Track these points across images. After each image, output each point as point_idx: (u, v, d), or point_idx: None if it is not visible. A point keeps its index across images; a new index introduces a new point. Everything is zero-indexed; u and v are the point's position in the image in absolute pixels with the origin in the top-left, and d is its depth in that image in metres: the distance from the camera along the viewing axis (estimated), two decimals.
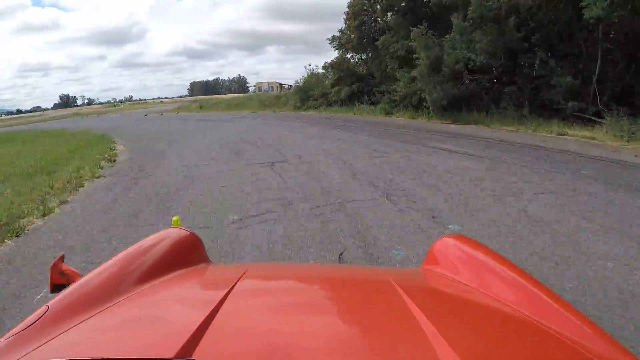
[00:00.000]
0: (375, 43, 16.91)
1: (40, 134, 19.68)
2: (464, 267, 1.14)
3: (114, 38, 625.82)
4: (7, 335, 0.76)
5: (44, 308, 0.84)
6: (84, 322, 0.79)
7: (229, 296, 0.86)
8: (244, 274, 1.07)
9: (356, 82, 19.98)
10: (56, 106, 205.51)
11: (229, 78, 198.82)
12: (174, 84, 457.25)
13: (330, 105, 21.20)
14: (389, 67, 16.29)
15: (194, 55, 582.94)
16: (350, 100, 19.85)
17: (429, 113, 14.10)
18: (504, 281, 1.04)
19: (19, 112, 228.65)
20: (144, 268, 1.05)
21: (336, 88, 20.86)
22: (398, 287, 0.97)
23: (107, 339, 0.75)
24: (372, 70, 19.05)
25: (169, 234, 1.28)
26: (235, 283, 0.95)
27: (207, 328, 0.70)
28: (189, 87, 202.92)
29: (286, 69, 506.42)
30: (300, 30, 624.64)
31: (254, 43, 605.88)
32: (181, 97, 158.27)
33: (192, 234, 1.29)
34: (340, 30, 21.04)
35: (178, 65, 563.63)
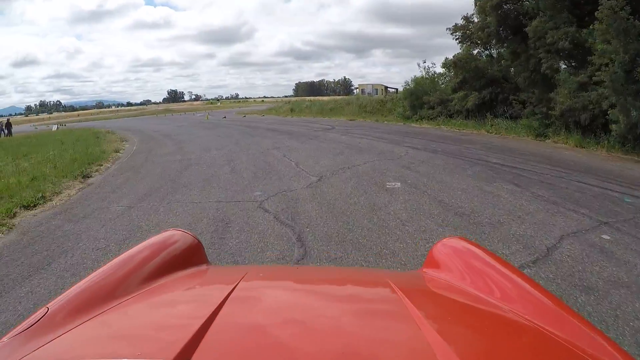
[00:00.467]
0: (525, 29, 12.10)
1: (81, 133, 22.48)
2: (464, 269, 1.17)
3: (223, 37, 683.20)
4: (7, 336, 0.79)
5: (43, 310, 0.87)
6: (83, 324, 0.82)
7: (228, 298, 0.88)
8: (243, 276, 1.11)
9: (487, 86, 15.52)
10: (164, 100, 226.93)
11: (334, 80, 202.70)
12: (280, 84, 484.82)
13: (450, 116, 16.93)
14: (545, 65, 11.52)
15: (300, 56, 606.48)
16: (479, 111, 15.43)
17: (609, 142, 9.45)
18: (503, 284, 1.06)
19: (129, 104, 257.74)
20: (144, 270, 1.09)
21: (460, 94, 16.50)
22: (397, 290, 1.00)
23: (107, 341, 0.78)
24: (512, 71, 14.47)
25: (170, 236, 1.34)
26: (235, 285, 0.98)
27: (206, 330, 0.72)
28: (294, 87, 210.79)
29: (392, 72, 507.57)
30: (407, 34, 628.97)
31: (360, 46, 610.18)
32: (286, 96, 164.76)
33: (192, 236, 1.36)
34: (465, 17, 16.58)
35: (284, 65, 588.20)
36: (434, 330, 0.77)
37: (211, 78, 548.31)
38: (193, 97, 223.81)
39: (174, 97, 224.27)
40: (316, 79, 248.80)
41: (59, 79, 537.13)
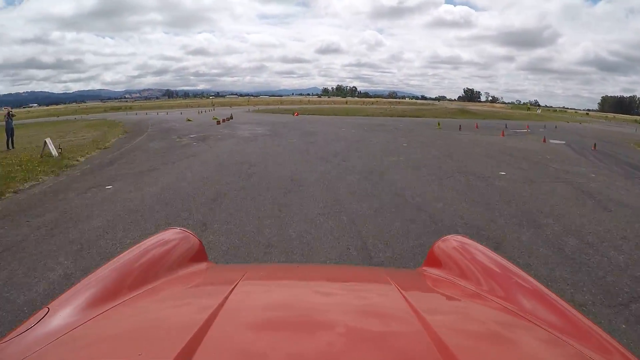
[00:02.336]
0: None
1: None
2: (464, 268, 1.22)
3: (523, 40, 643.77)
4: (8, 337, 0.80)
5: (44, 310, 0.88)
6: (84, 324, 0.82)
7: (229, 297, 0.90)
8: (244, 275, 1.13)
9: None
10: (459, 98, 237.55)
11: None
12: (581, 95, 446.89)
13: None
14: None
15: (604, 67, 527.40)
16: None
17: None
18: (503, 281, 1.11)
19: (423, 97, 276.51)
20: (144, 269, 1.12)
21: None
22: (398, 288, 1.02)
23: (108, 341, 0.78)
24: None
25: (170, 235, 1.37)
26: (236, 284, 1.00)
27: (207, 329, 0.73)
28: (599, 101, 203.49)
29: None
30: None
31: None
32: (589, 110, 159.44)
33: (192, 234, 1.40)
34: None
35: (587, 76, 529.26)
36: (435, 328, 0.77)
37: (509, 81, 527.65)
38: (490, 98, 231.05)
39: (470, 96, 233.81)
40: (625, 94, 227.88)
41: (359, 68, 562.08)
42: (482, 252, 1.29)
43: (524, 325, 0.90)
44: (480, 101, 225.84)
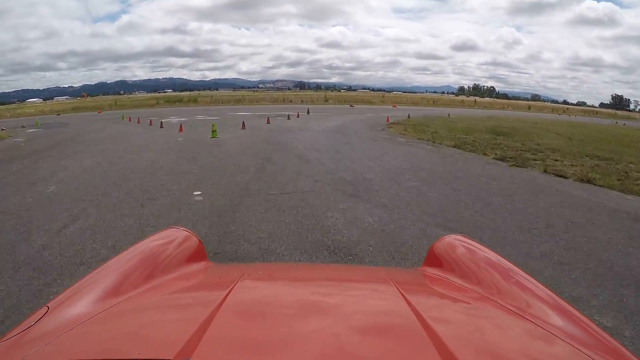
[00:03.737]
0: None
1: None
2: (464, 267, 1.23)
3: None
4: (7, 336, 0.81)
5: (43, 309, 0.89)
6: (83, 323, 0.83)
7: (229, 296, 0.91)
8: (243, 274, 1.15)
9: None
10: (602, 105, 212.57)
11: None
12: None
13: None
14: None
15: None
16: None
17: None
18: (503, 282, 1.12)
19: (565, 102, 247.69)
20: (143, 269, 1.13)
21: None
22: (397, 288, 1.03)
23: (107, 340, 0.78)
24: None
25: (169, 234, 1.39)
26: (235, 283, 1.01)
27: (206, 329, 0.74)
28: None
29: None
30: None
31: None
32: None
33: (192, 234, 1.41)
34: None
35: None
36: (434, 328, 0.78)
37: None
38: (639, 107, 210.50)
39: (619, 103, 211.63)
40: None
41: (495, 67, 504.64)
42: (481, 252, 1.31)
43: (523, 325, 0.91)
44: (629, 109, 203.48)
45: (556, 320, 0.93)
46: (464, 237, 1.46)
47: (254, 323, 0.84)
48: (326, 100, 57.71)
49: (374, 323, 0.86)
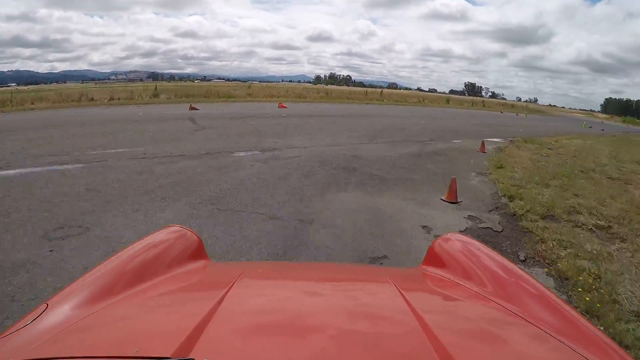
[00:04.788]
0: None
1: None
2: (463, 266, 1.24)
3: (517, 37, 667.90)
4: (6, 332, 0.80)
5: (43, 306, 0.89)
6: (82, 319, 0.84)
7: (227, 294, 0.92)
8: (242, 272, 1.16)
9: None
10: (452, 92, 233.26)
11: None
12: (569, 94, 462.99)
13: None
14: None
15: (596, 68, 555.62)
16: None
17: None
18: (502, 281, 1.13)
19: (419, 89, 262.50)
20: (143, 266, 1.13)
21: None
22: (396, 287, 1.04)
23: (106, 336, 0.79)
24: None
25: (169, 232, 1.39)
26: (234, 282, 1.02)
27: (205, 326, 0.75)
28: (602, 102, 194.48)
29: None
30: None
31: None
32: (592, 111, 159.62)
33: (192, 232, 1.41)
34: None
35: (577, 76, 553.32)
36: (432, 327, 0.78)
37: (498, 77, 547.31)
38: (489, 94, 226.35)
39: (472, 90, 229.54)
40: (614, 96, 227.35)
41: (350, 57, 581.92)
42: (481, 251, 1.30)
43: (522, 325, 0.91)
44: (481, 96, 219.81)
45: (553, 319, 0.93)
46: (464, 236, 1.48)
47: (253, 321, 0.84)
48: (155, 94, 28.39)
49: (373, 322, 0.87)
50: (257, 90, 40.13)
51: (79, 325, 0.82)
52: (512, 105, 68.27)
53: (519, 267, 1.22)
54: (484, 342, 0.83)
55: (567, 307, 1.01)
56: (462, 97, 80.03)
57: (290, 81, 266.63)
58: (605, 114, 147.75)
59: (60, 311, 0.88)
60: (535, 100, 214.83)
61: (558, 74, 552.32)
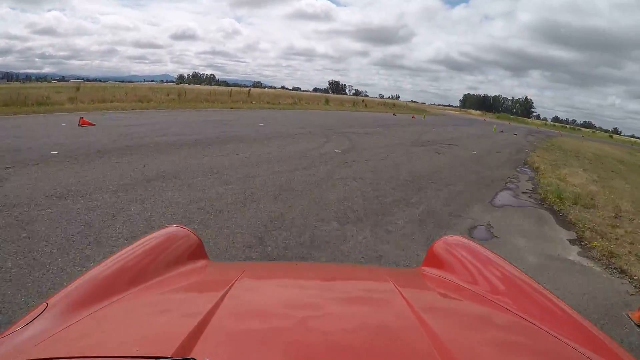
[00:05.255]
0: None
1: None
2: (463, 267, 1.24)
3: (380, 37, 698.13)
4: (6, 332, 0.80)
5: (43, 305, 0.89)
6: (82, 319, 0.83)
7: (227, 294, 0.91)
8: (242, 272, 1.15)
9: None
10: (315, 90, 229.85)
11: (513, 98, 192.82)
12: (428, 91, 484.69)
13: None
14: None
15: (454, 66, 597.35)
16: None
17: None
18: (502, 282, 1.12)
19: (283, 88, 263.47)
20: (143, 266, 1.12)
21: None
22: (396, 288, 1.04)
23: (106, 336, 0.78)
24: None
25: (169, 232, 1.38)
26: (234, 281, 1.01)
27: (205, 326, 0.74)
28: (461, 98, 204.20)
29: (546, 97, 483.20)
30: (570, 59, 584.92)
31: (518, 64, 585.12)
32: (450, 106, 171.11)
33: (191, 232, 1.40)
34: None
35: (436, 73, 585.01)
36: (433, 328, 0.79)
37: (360, 75, 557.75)
38: (353, 91, 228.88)
39: (336, 88, 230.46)
40: (470, 92, 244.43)
41: (214, 56, 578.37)
42: (481, 253, 1.31)
43: (521, 325, 0.92)
44: (345, 94, 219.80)
45: (553, 320, 0.94)
46: (464, 237, 1.47)
47: (253, 321, 0.84)
48: None
49: (373, 322, 0.86)
50: (87, 93, 26.70)
51: (79, 325, 0.82)
52: (394, 104, 63.15)
53: (519, 268, 1.23)
54: (485, 343, 0.82)
55: (568, 308, 1.00)
56: (341, 96, 74.51)
57: (153, 81, 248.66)
58: (464, 108, 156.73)
59: (60, 311, 0.88)
60: (397, 97, 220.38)
61: (418, 71, 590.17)
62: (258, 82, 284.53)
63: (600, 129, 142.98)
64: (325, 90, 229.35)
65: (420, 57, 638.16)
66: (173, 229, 1.43)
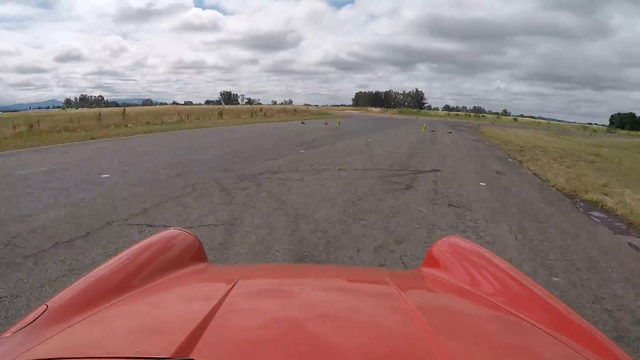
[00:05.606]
0: None
1: None
2: (463, 268, 1.23)
3: (268, 43, 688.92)
4: (5, 334, 0.80)
5: (42, 307, 0.89)
6: (82, 321, 0.83)
7: (227, 296, 0.91)
8: (242, 274, 1.17)
9: None
10: (208, 102, 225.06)
11: (404, 92, 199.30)
12: (320, 93, 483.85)
13: None
14: None
15: (343, 66, 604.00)
16: None
17: None
18: (502, 283, 1.12)
19: (175, 103, 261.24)
20: (143, 268, 1.13)
21: None
22: (396, 289, 1.03)
23: (106, 338, 0.78)
24: None
25: (169, 234, 1.39)
26: (234, 284, 1.01)
27: (205, 328, 0.74)
28: (353, 97, 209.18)
29: (434, 87, 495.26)
30: (455, 49, 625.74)
31: (405, 59, 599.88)
32: (338, 105, 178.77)
33: (191, 234, 1.41)
34: None
35: (326, 75, 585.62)
36: (433, 330, 0.78)
37: (252, 83, 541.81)
38: (245, 100, 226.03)
39: (228, 99, 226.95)
40: (362, 90, 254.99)
41: (101, 76, 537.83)
42: (481, 253, 1.31)
43: (522, 326, 0.91)
44: (237, 103, 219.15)
45: (554, 322, 0.93)
46: (464, 238, 1.47)
47: (253, 323, 0.84)
48: None
49: (373, 324, 0.86)
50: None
51: (79, 327, 0.82)
52: (295, 110, 57.41)
53: (519, 269, 1.22)
54: (485, 345, 0.82)
55: (569, 309, 1.00)
56: (235, 107, 66.67)
57: (39, 108, 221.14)
58: (357, 106, 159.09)
59: (60, 313, 0.88)
60: (290, 102, 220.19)
61: (308, 74, 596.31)
62: (148, 100, 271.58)
63: (491, 112, 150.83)
64: (218, 102, 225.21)
65: (309, 61, 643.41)
66: (173, 231, 1.42)
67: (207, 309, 0.82)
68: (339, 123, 32.34)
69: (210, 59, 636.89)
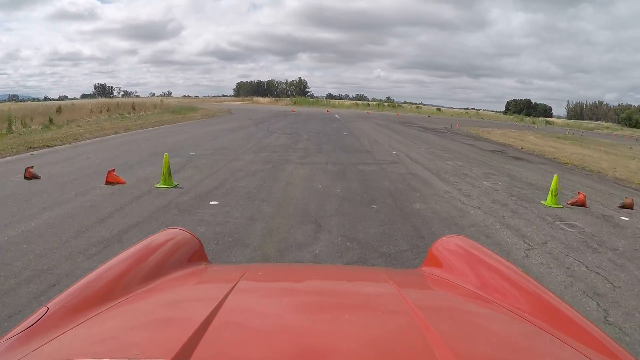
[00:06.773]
0: None
1: None
2: (463, 268, 1.24)
3: (148, 33, 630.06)
4: (7, 336, 0.80)
5: (43, 309, 0.89)
6: (82, 323, 0.83)
7: (228, 297, 0.91)
8: (243, 275, 1.15)
9: None
10: (84, 96, 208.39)
11: (287, 80, 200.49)
12: (201, 84, 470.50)
13: None
14: None
15: (224, 56, 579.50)
16: None
17: None
18: (502, 282, 1.13)
19: (46, 99, 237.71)
20: (143, 269, 1.13)
21: None
22: (397, 289, 1.04)
23: (106, 340, 0.79)
24: None
25: (170, 235, 1.39)
26: (235, 284, 1.02)
27: (206, 329, 0.74)
28: (234, 87, 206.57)
29: (316, 76, 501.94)
30: (336, 39, 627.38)
31: (287, 48, 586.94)
32: (225, 95, 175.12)
33: (192, 234, 1.41)
34: None
35: (208, 65, 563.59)
36: (433, 328, 0.78)
37: (131, 75, 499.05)
38: (122, 93, 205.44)
39: (103, 92, 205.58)
40: (243, 80, 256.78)
41: None
42: (481, 253, 1.32)
43: (522, 325, 0.92)
44: (114, 96, 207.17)
45: (555, 321, 0.93)
46: (464, 237, 1.49)
47: (253, 323, 0.85)
48: None
49: (373, 324, 0.87)
50: None
51: (79, 329, 0.82)
52: (134, 107, 51.28)
53: (519, 268, 1.22)
54: (485, 343, 0.82)
55: (568, 307, 1.01)
56: (109, 100, 45.30)
57: None
58: (239, 96, 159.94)
59: (60, 315, 0.88)
60: (170, 94, 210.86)
61: (189, 65, 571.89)
62: (14, 96, 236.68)
63: (374, 100, 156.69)
64: (93, 95, 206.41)
65: (190, 51, 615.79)
66: (173, 231, 1.42)
67: (208, 310, 0.82)
68: (257, 125, 21.45)
69: (87, 50, 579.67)
